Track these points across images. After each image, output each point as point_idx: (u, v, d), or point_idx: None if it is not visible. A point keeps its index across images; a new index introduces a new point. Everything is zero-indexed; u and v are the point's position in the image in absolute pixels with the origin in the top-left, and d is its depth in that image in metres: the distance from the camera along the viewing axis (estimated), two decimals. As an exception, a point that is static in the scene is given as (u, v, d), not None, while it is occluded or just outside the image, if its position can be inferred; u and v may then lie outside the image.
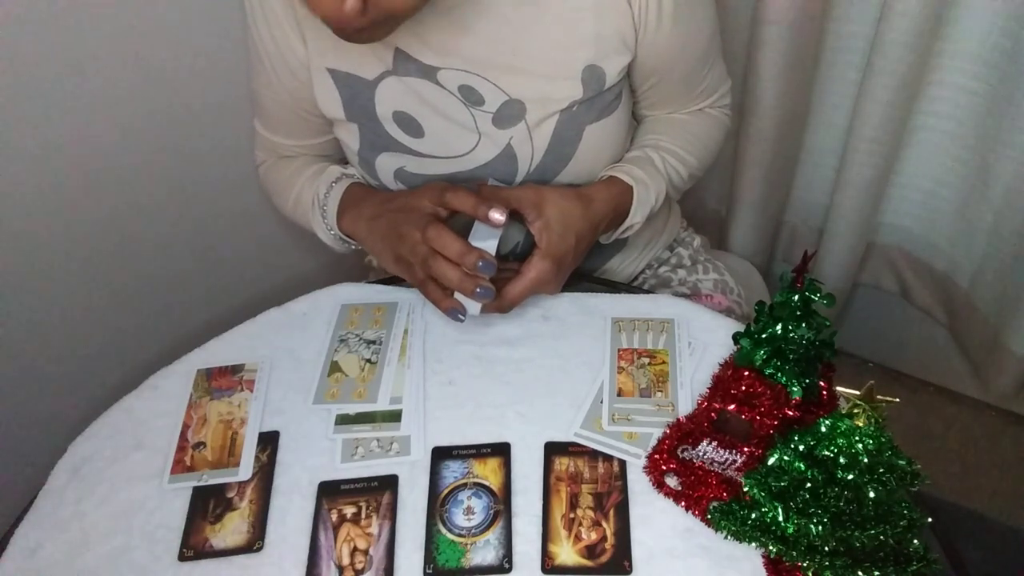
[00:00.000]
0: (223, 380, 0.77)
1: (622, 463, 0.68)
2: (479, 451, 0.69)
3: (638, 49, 0.78)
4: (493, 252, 0.73)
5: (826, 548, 0.56)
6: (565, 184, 0.83)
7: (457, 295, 0.75)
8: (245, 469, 0.69)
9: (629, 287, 0.93)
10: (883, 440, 0.54)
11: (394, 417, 0.72)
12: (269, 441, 0.72)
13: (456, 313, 0.75)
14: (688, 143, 0.88)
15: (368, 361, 0.77)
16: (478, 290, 0.72)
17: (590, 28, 0.75)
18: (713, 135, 0.92)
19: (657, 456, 0.67)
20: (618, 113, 0.82)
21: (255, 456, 0.70)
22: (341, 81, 0.79)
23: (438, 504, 0.66)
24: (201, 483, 0.69)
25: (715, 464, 0.66)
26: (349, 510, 0.66)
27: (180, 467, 0.70)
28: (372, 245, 0.82)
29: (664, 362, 0.75)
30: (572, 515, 0.65)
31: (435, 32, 0.74)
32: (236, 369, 0.78)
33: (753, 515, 0.60)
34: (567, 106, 0.78)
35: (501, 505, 0.66)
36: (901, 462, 0.54)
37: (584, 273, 0.96)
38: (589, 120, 0.80)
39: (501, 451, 0.69)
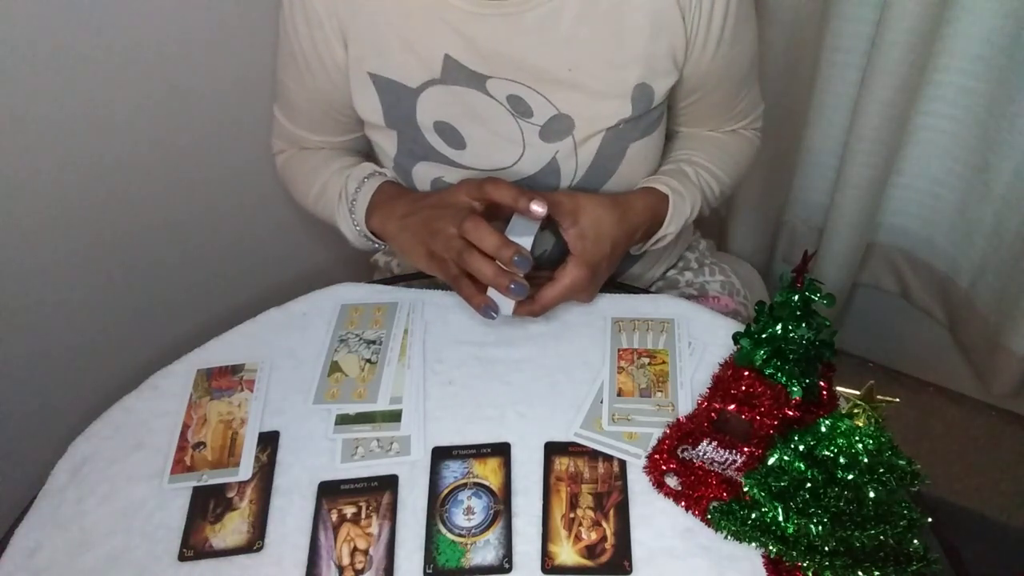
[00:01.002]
0: (223, 380, 0.77)
1: (622, 463, 0.68)
2: (479, 451, 0.69)
3: (685, 68, 0.78)
4: (529, 248, 0.71)
5: (826, 548, 0.56)
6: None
7: (490, 292, 0.73)
8: (245, 469, 0.69)
9: (629, 287, 0.93)
10: (883, 440, 0.54)
11: (394, 417, 0.72)
12: (269, 441, 0.72)
13: (488, 310, 0.73)
14: (720, 160, 0.87)
15: (368, 361, 0.77)
16: (512, 286, 0.70)
17: (644, 47, 0.74)
18: (744, 155, 0.92)
19: (657, 456, 0.67)
20: (659, 131, 0.83)
21: (255, 456, 0.70)
22: (383, 87, 0.78)
23: (438, 504, 0.66)
24: (201, 483, 0.69)
25: (715, 464, 0.66)
26: (349, 510, 0.66)
27: (180, 467, 0.70)
28: (403, 243, 0.80)
29: (664, 362, 0.75)
30: (572, 515, 0.65)
31: (489, 41, 0.73)
32: (236, 369, 0.78)
33: (753, 515, 0.60)
34: (615, 124, 0.78)
35: (501, 505, 0.66)
36: (901, 462, 0.54)
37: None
38: (634, 138, 0.80)
39: (501, 451, 0.69)
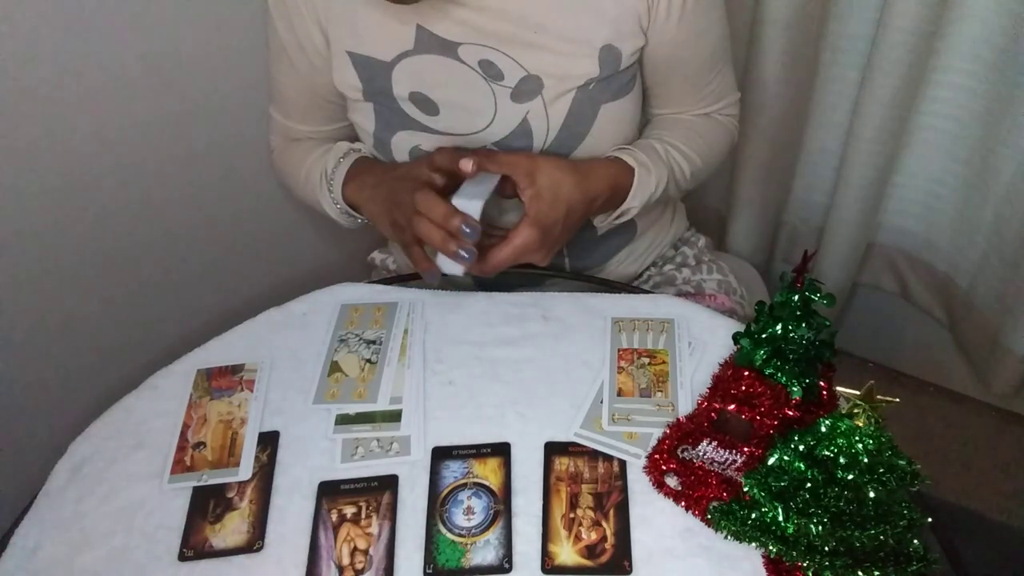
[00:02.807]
0: (223, 380, 0.77)
1: (622, 463, 0.68)
2: (479, 451, 0.69)
3: (649, 35, 0.80)
4: (478, 214, 0.73)
5: (826, 548, 0.56)
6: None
7: (440, 258, 0.75)
8: (245, 469, 0.69)
9: (629, 287, 0.93)
10: (883, 440, 0.54)
11: (394, 417, 0.72)
12: (269, 441, 0.72)
13: (431, 275, 0.77)
14: (692, 140, 0.88)
15: (368, 361, 0.77)
16: (460, 252, 0.73)
17: (610, 9, 0.77)
18: (718, 138, 0.92)
19: (657, 456, 0.67)
20: (632, 95, 0.84)
21: (255, 456, 0.70)
22: (360, 64, 0.81)
23: (438, 504, 0.66)
24: (201, 483, 0.69)
25: (715, 464, 0.66)
26: (349, 510, 0.66)
27: (180, 467, 0.70)
28: (371, 211, 0.84)
29: (664, 362, 0.75)
30: (572, 515, 0.65)
31: (458, 8, 0.76)
32: (236, 369, 0.78)
33: (753, 515, 0.60)
34: (584, 83, 0.80)
35: (501, 505, 0.66)
36: (901, 462, 0.54)
37: (586, 271, 0.96)
38: (605, 99, 0.81)
39: (501, 451, 0.69)
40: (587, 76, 0.79)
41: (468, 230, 0.72)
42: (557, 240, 0.79)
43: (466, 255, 0.73)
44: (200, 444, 0.72)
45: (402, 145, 0.85)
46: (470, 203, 0.73)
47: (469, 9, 0.76)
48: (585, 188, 0.78)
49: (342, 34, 0.80)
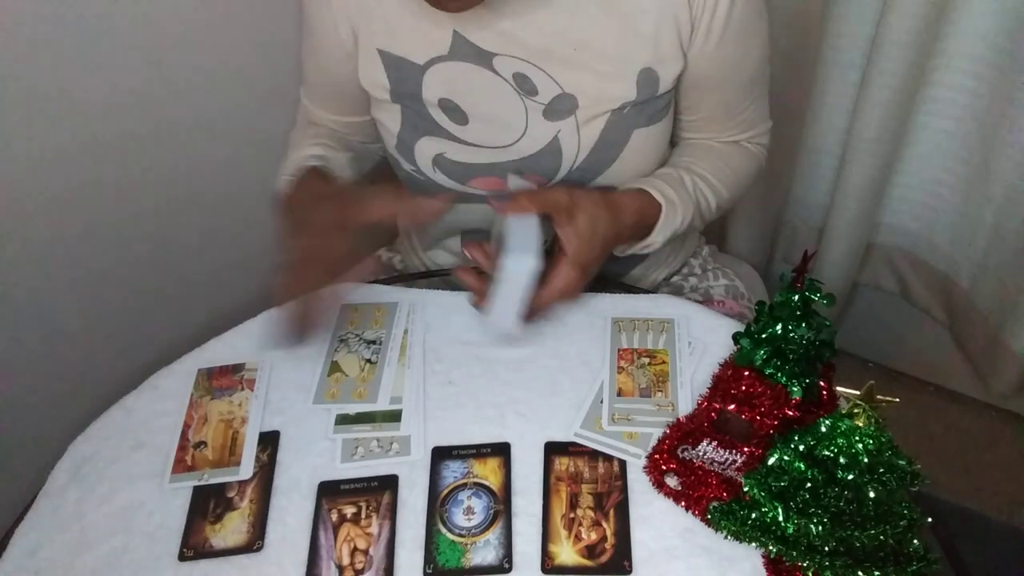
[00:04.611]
0: (224, 379, 0.77)
1: (622, 463, 0.68)
2: (479, 451, 0.69)
3: (689, 54, 0.78)
4: (535, 273, 0.70)
5: (826, 548, 0.56)
6: (603, 187, 0.83)
7: (493, 314, 0.72)
8: (246, 468, 0.69)
9: (629, 287, 0.93)
10: (883, 440, 0.54)
11: (394, 417, 0.72)
12: (269, 441, 0.72)
13: (286, 337, 0.73)
14: (721, 172, 0.86)
15: (368, 361, 0.77)
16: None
17: (651, 30, 0.75)
18: (747, 169, 0.90)
19: (657, 456, 0.67)
20: (665, 121, 0.83)
21: (255, 456, 0.70)
22: (391, 64, 0.80)
23: (438, 504, 0.66)
24: (202, 482, 0.69)
25: (715, 464, 0.66)
26: (349, 510, 0.66)
27: (181, 467, 0.70)
28: (294, 221, 0.76)
29: (664, 362, 0.75)
30: (572, 515, 0.65)
31: (498, 18, 0.74)
32: (237, 368, 0.78)
33: (753, 515, 0.60)
34: (619, 106, 0.78)
35: (501, 505, 0.66)
36: (901, 462, 0.54)
37: (609, 278, 0.95)
38: (639, 124, 0.80)
39: (501, 451, 0.69)
40: (623, 99, 0.78)
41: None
42: (591, 276, 0.77)
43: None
44: (201, 443, 0.72)
45: (426, 151, 0.83)
46: (523, 261, 0.69)
47: (510, 20, 0.74)
48: (618, 224, 0.76)
49: (374, 30, 0.79)
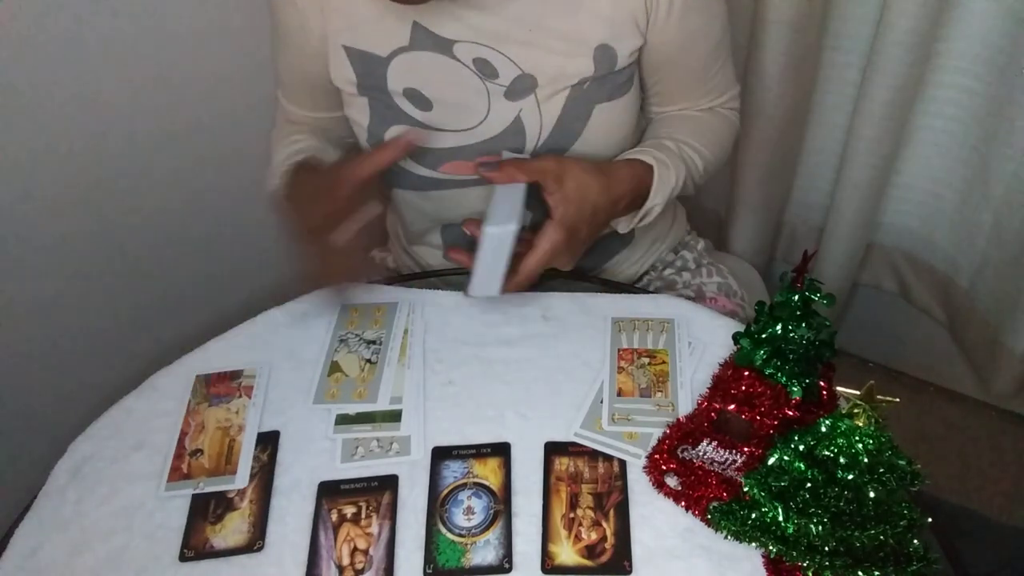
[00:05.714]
0: (221, 386, 0.77)
1: (622, 463, 0.68)
2: (479, 451, 0.69)
3: (648, 35, 0.79)
4: (513, 239, 0.72)
5: (826, 548, 0.56)
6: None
7: (474, 281, 0.75)
8: (242, 477, 0.69)
9: (629, 287, 0.93)
10: (883, 440, 0.54)
11: (394, 417, 0.72)
12: (269, 441, 0.72)
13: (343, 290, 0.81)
14: (702, 135, 0.88)
15: (368, 361, 0.77)
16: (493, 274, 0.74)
17: (606, 9, 0.77)
18: (724, 133, 0.92)
19: (657, 456, 0.67)
20: (628, 97, 0.83)
21: (255, 456, 0.70)
22: (355, 58, 0.81)
23: (438, 504, 0.66)
24: (197, 491, 0.68)
25: (715, 464, 0.66)
26: (349, 510, 0.66)
27: (177, 474, 0.70)
28: (298, 194, 0.79)
29: (664, 362, 0.75)
30: (572, 515, 0.65)
31: (455, 6, 0.76)
32: (235, 375, 0.77)
33: (753, 515, 0.60)
34: (577, 82, 0.80)
35: (501, 505, 0.66)
36: (901, 462, 0.54)
37: (584, 273, 0.95)
38: (599, 99, 0.81)
39: (501, 451, 0.69)
40: (581, 75, 0.79)
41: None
42: (583, 243, 0.78)
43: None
44: (197, 451, 0.71)
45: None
46: (504, 229, 0.72)
47: (466, 8, 0.76)
48: (610, 190, 0.78)
49: (339, 27, 0.80)
